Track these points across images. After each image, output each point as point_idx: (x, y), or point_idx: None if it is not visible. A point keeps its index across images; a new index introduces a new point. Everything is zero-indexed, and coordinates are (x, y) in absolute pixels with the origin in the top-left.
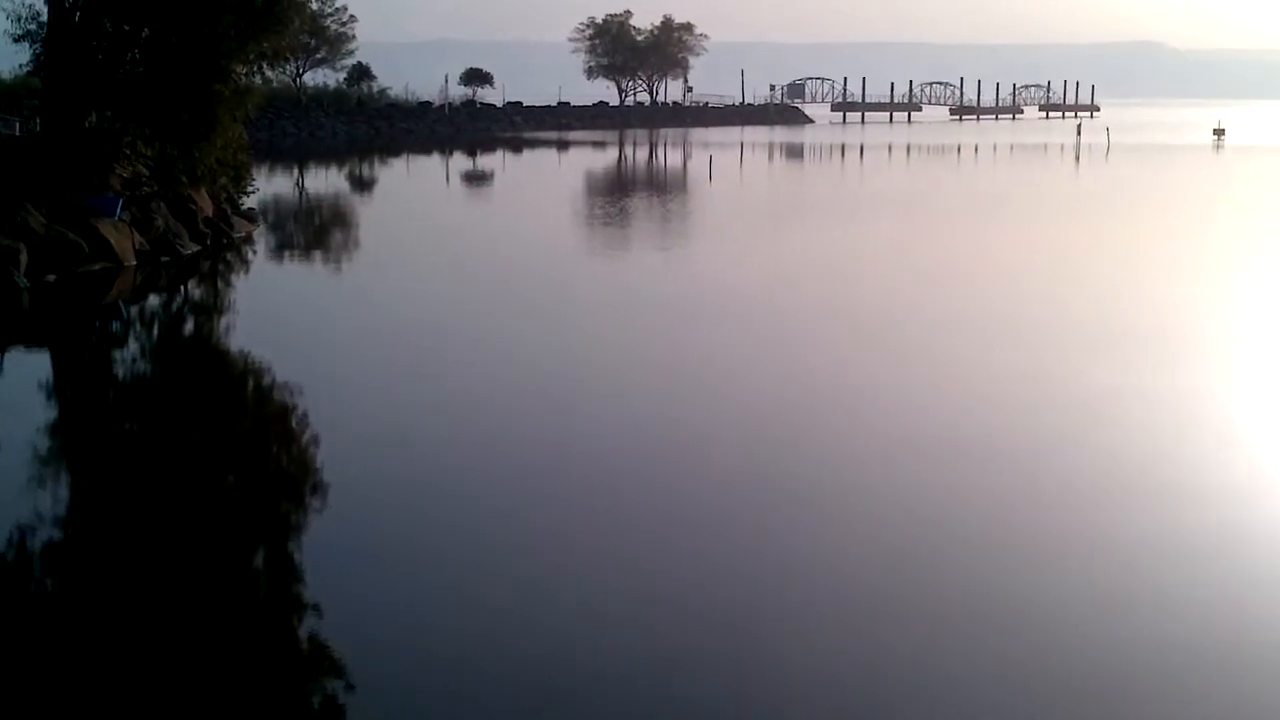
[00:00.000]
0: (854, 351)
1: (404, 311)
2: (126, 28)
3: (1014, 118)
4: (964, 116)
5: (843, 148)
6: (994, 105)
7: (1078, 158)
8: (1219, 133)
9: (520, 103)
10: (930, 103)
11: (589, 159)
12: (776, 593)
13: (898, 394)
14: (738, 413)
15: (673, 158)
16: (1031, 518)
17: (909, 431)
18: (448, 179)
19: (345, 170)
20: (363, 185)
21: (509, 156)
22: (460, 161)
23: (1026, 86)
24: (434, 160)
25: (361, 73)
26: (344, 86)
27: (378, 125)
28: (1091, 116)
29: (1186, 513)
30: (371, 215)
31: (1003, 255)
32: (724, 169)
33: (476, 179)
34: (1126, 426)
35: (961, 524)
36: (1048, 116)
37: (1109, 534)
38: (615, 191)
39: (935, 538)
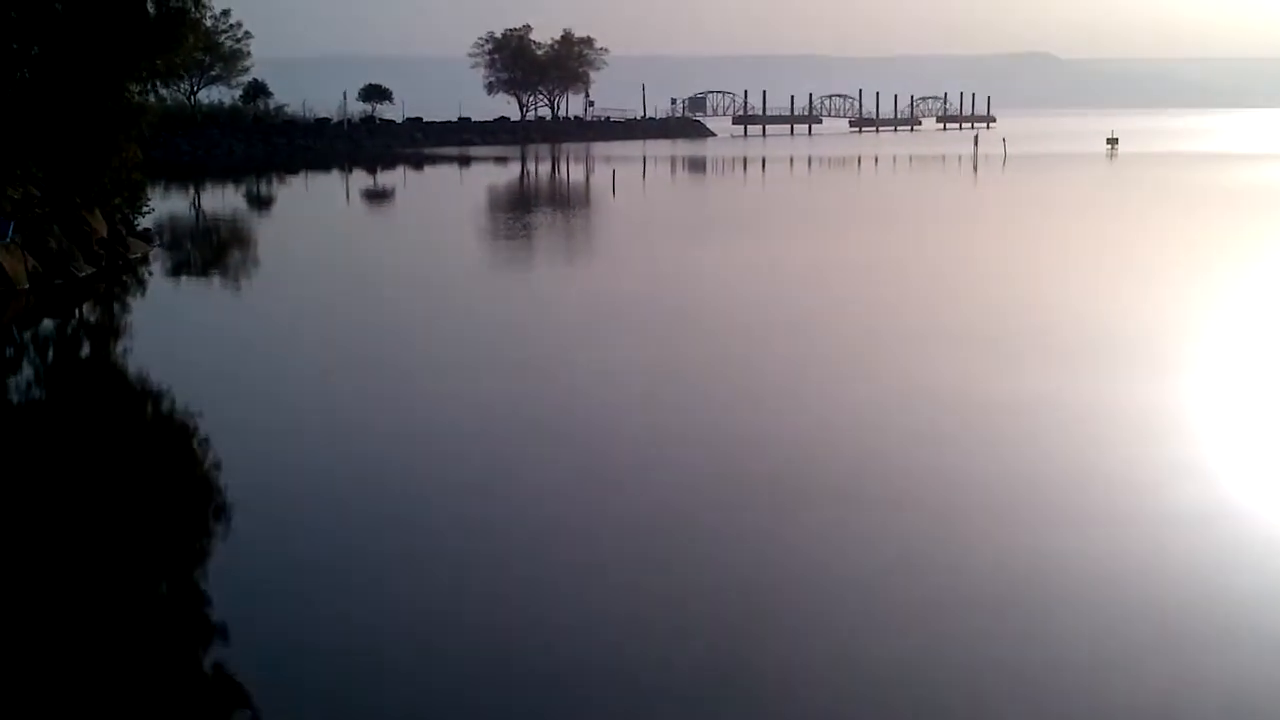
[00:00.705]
0: (748, 356)
1: (302, 332)
2: (15, 45)
3: (912, 129)
4: (863, 128)
5: (745, 161)
6: (893, 117)
7: (976, 168)
8: (1112, 142)
9: (420, 119)
10: (830, 115)
11: (491, 174)
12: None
13: (786, 398)
14: (624, 421)
15: (575, 172)
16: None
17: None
18: (348, 196)
19: (243, 189)
20: (261, 204)
21: (410, 173)
22: (360, 179)
23: (924, 98)
24: (333, 177)
25: (257, 89)
26: (240, 104)
27: (275, 142)
28: (988, 127)
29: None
30: (270, 234)
31: (904, 264)
32: (627, 183)
33: (377, 196)
34: (1005, 428)
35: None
36: (945, 128)
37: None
38: (518, 207)
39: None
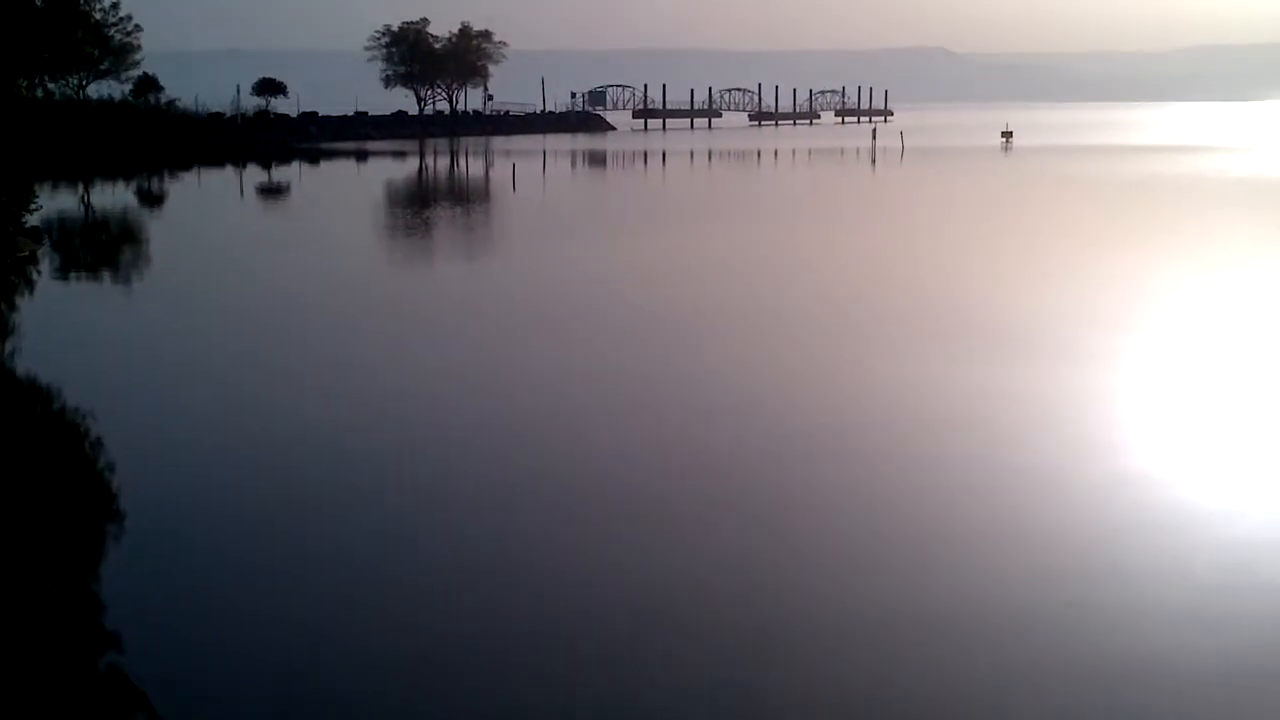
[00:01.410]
0: (645, 348)
1: (194, 331)
2: None
3: (811, 123)
4: (763, 122)
5: (645, 154)
6: (792, 111)
7: (874, 161)
8: (1007, 135)
9: (316, 113)
10: (730, 109)
11: (389, 169)
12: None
13: (677, 389)
14: (525, 415)
15: (475, 167)
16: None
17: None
18: (242, 192)
19: (134, 185)
20: (153, 201)
21: (306, 168)
22: (255, 174)
23: (823, 92)
24: (227, 173)
25: (148, 84)
26: (130, 98)
27: (167, 138)
28: (885, 120)
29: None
30: (161, 232)
31: (801, 256)
32: (528, 177)
33: (272, 192)
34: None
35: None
36: (844, 121)
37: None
38: (417, 202)
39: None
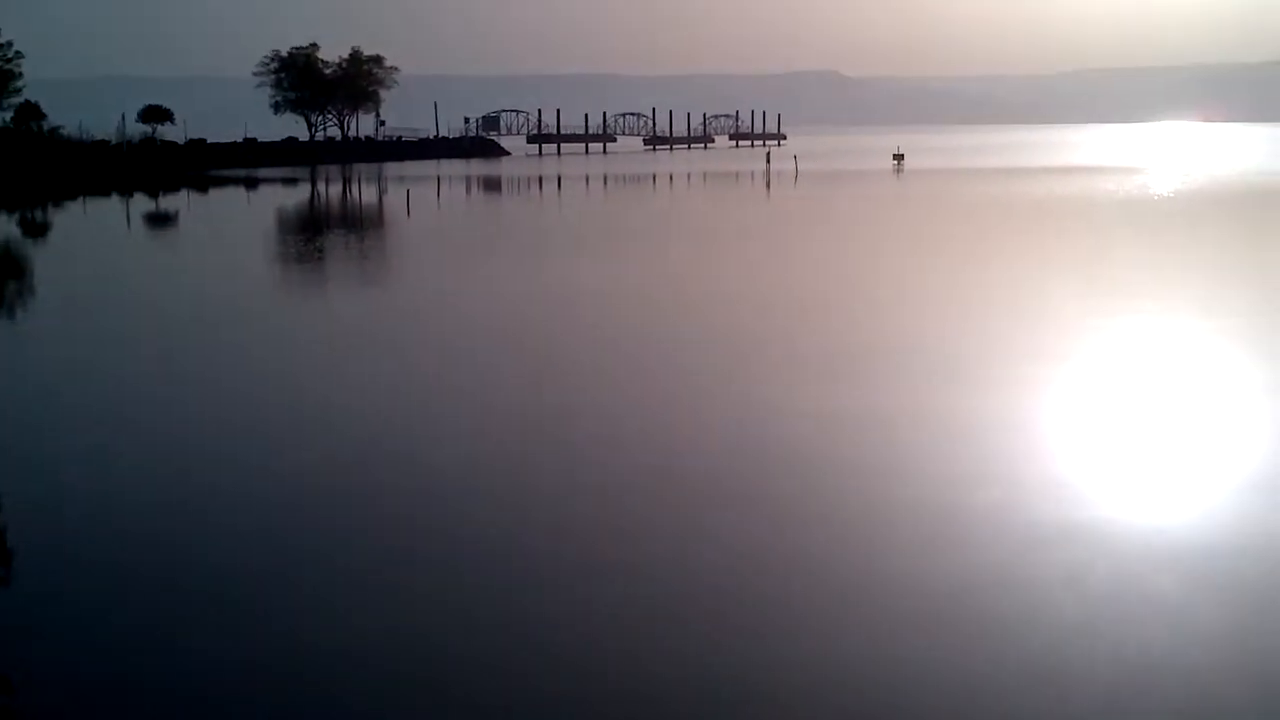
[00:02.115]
0: (534, 370)
1: (77, 362)
2: None
3: (706, 146)
4: (658, 146)
5: (540, 179)
6: (686, 135)
7: (768, 185)
8: (899, 158)
9: (204, 140)
10: (625, 133)
11: (280, 196)
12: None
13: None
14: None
15: (368, 193)
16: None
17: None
18: (128, 221)
19: (15, 215)
20: (35, 230)
21: (194, 196)
22: (142, 203)
23: (716, 116)
24: (112, 202)
25: (30, 112)
26: (11, 126)
27: (51, 166)
28: (779, 144)
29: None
30: (44, 264)
31: (693, 281)
32: (422, 203)
33: (159, 220)
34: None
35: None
36: (738, 145)
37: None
38: (308, 229)
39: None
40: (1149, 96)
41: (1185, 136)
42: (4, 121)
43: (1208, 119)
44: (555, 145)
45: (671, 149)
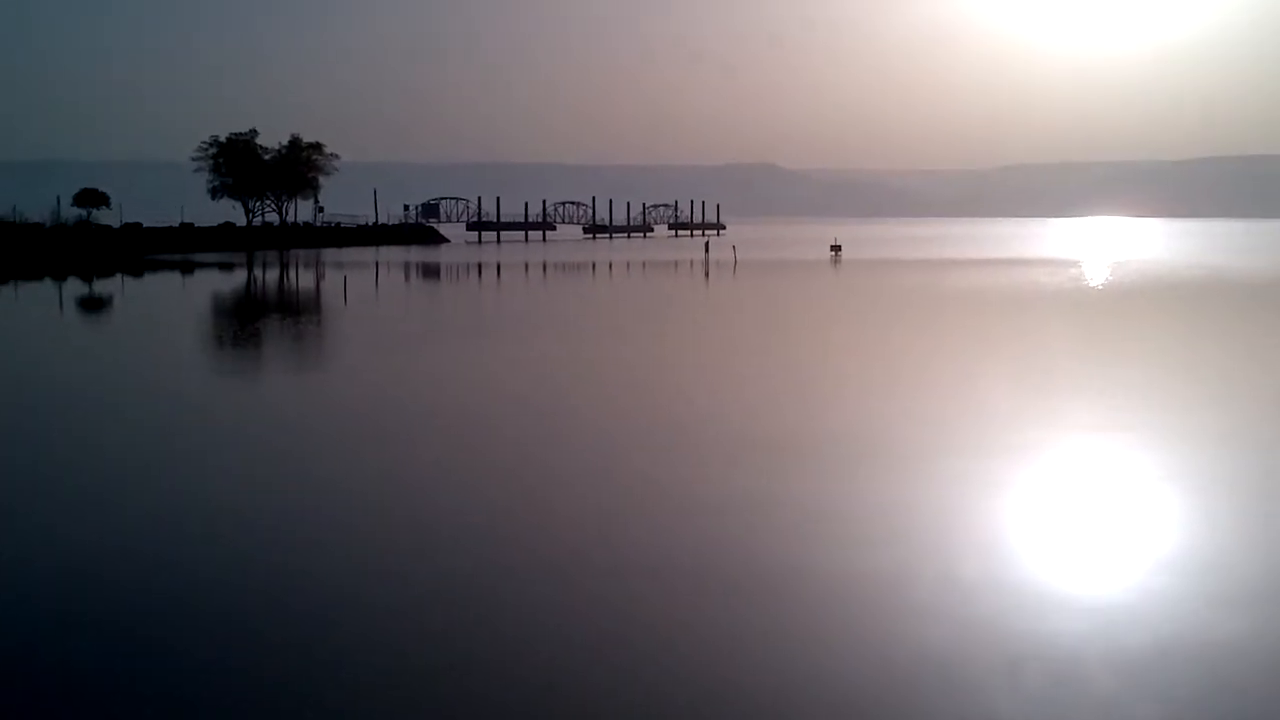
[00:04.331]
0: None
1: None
2: None
3: (645, 236)
4: (597, 235)
5: (479, 267)
6: (626, 224)
7: (707, 274)
8: (836, 249)
9: (140, 224)
10: (564, 221)
11: (217, 281)
12: None
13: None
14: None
15: (305, 279)
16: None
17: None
18: (61, 306)
19: None
20: None
21: (129, 281)
22: (75, 287)
23: (656, 206)
24: (45, 286)
25: None
26: None
27: None
28: (718, 234)
29: None
30: None
31: (635, 367)
32: (360, 290)
33: (93, 305)
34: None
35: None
36: (677, 235)
37: None
38: (243, 315)
39: None
40: (1078, 191)
41: (1114, 230)
42: None
43: (1134, 214)
44: (495, 233)
45: (611, 238)
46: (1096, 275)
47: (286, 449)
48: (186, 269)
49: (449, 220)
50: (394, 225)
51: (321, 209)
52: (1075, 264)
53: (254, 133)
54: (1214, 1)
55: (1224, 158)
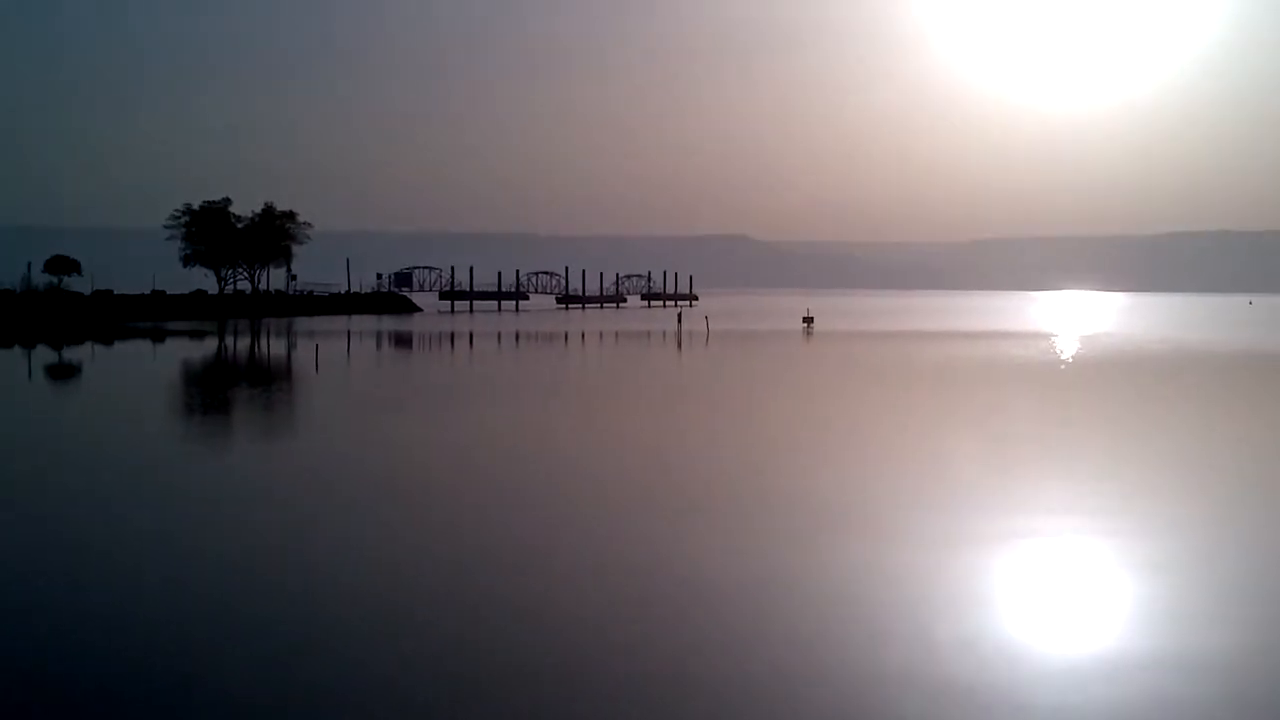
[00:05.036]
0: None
1: None
2: None
3: (618, 306)
4: (570, 305)
5: (452, 336)
6: (599, 294)
7: (680, 345)
8: (808, 320)
9: (111, 291)
10: (537, 291)
11: (187, 349)
12: None
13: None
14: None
15: (277, 347)
16: None
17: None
18: (30, 374)
19: None
20: None
21: (99, 349)
22: (44, 354)
23: (629, 276)
24: (13, 353)
25: None
26: None
27: None
28: (691, 305)
29: None
30: None
31: (607, 437)
32: (331, 358)
33: (61, 373)
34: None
35: None
36: (650, 305)
37: None
38: (213, 384)
39: None
40: (1051, 265)
41: (1084, 304)
42: None
43: (1104, 288)
44: (468, 302)
45: (584, 308)
46: (1065, 349)
47: (250, 519)
48: (158, 337)
49: (422, 289)
50: (367, 294)
51: (294, 277)
52: (1046, 337)
53: (227, 201)
54: (1181, 53)
55: (1193, 233)
